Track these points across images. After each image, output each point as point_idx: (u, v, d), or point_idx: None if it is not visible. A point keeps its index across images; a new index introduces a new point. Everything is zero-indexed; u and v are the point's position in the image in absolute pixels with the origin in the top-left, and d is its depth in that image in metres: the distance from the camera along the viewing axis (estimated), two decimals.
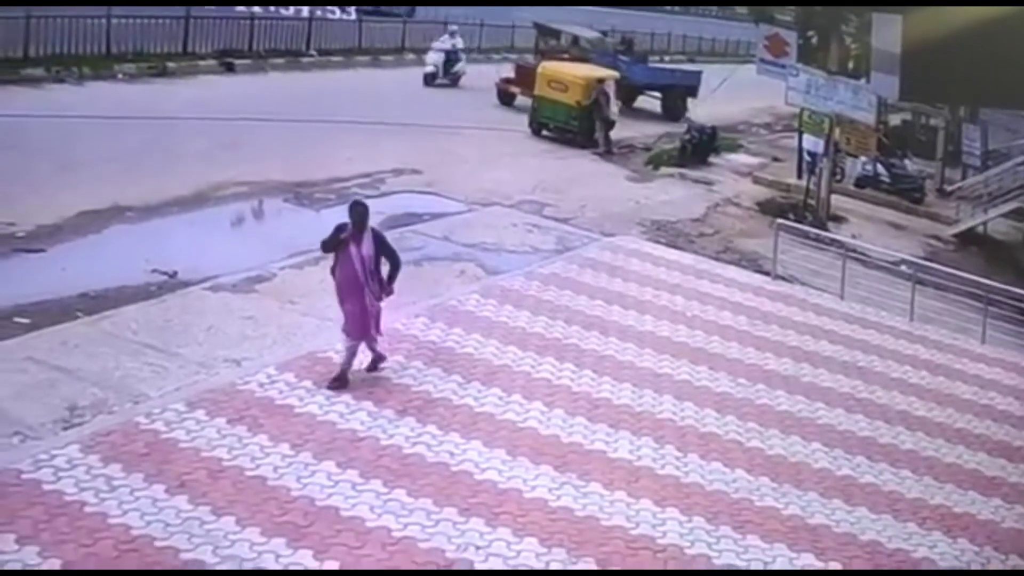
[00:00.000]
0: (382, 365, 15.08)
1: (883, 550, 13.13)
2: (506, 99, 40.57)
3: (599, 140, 34.88)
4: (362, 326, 14.58)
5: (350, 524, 11.38)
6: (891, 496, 14.53)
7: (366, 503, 11.79)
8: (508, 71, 41.60)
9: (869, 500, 14.24)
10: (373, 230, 14.59)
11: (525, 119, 36.31)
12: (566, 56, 41.25)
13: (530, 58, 43.39)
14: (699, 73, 46.58)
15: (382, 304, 14.77)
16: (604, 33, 48.10)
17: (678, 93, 45.16)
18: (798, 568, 12.37)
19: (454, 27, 43.77)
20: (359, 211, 14.45)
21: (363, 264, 14.37)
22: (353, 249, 14.33)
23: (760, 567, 12.17)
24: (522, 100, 38.91)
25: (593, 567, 11.49)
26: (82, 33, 32.71)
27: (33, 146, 23.08)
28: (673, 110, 44.54)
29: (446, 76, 41.98)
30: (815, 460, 15.07)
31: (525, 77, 39.17)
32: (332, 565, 10.65)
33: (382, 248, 14.62)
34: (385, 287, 14.67)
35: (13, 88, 28.87)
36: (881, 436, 16.39)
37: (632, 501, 12.90)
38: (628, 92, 43.20)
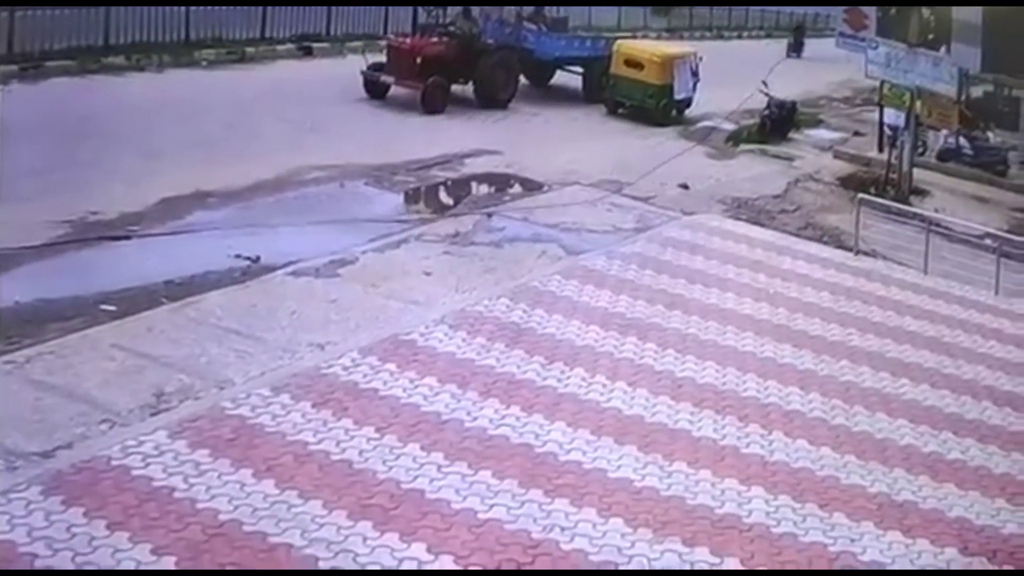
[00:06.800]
0: None
1: (971, 527, 12.95)
2: (376, 90, 32.01)
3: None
4: None
5: (436, 507, 11.40)
6: (978, 472, 14.32)
7: (451, 485, 11.80)
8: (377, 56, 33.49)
9: (956, 476, 14.04)
10: None
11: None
12: (453, 29, 33.86)
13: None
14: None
15: None
16: None
17: (602, 68, 36.70)
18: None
19: None
20: None
21: None
22: None
23: (847, 545, 12.04)
24: (396, 91, 31.75)
25: (679, 547, 11.45)
26: (161, 21, 33.01)
27: (115, 134, 23.29)
28: (596, 89, 36.97)
29: None
30: (901, 437, 14.90)
31: (402, 61, 31.92)
32: (419, 547, 10.65)
33: None
34: None
35: (95, 77, 29.19)
36: (967, 412, 16.18)
37: (717, 480, 12.83)
38: (536, 69, 36.94)
